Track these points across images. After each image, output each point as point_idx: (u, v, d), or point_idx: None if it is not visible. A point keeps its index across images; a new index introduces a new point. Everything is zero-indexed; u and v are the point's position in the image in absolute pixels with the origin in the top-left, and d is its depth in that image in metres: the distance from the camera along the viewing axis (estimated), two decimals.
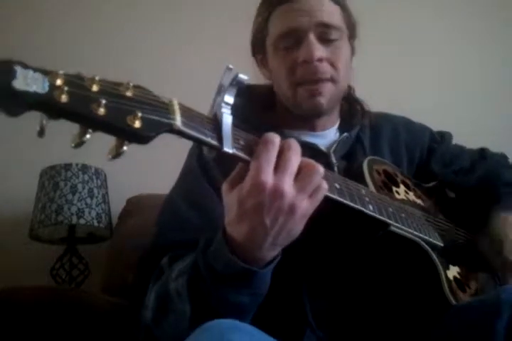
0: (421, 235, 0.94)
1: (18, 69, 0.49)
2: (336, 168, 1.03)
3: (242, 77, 0.66)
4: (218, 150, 0.65)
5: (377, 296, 0.95)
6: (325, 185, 0.71)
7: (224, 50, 2.00)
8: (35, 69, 0.50)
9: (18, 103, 0.48)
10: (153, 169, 2.06)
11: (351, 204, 0.82)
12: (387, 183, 1.01)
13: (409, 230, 0.92)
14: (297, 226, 0.72)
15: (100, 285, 1.68)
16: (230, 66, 0.67)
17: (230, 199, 0.71)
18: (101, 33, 2.21)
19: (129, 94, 0.57)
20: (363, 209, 0.85)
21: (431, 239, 0.96)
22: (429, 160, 1.18)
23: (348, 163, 1.06)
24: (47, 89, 0.50)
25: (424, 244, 0.93)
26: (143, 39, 2.24)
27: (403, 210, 0.95)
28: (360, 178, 0.95)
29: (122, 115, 0.55)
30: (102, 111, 0.53)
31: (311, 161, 0.71)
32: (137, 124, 0.55)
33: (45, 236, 1.97)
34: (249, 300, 0.76)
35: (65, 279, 1.91)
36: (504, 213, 1.09)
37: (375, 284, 0.95)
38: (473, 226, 1.12)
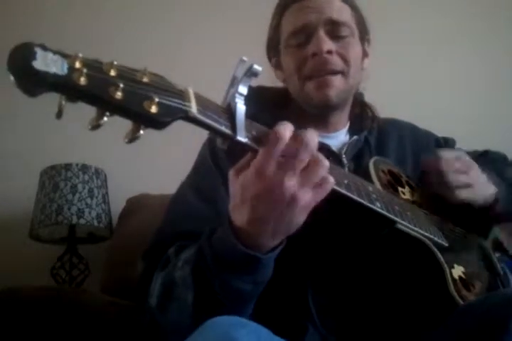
0: (426, 234, 0.94)
1: (38, 50, 0.49)
2: (346, 169, 1.05)
3: (257, 67, 0.66)
4: (231, 139, 0.65)
5: (380, 294, 0.95)
6: (331, 179, 0.71)
7: (225, 50, 2.01)
8: (55, 52, 0.51)
9: (38, 83, 0.49)
10: (153, 169, 2.06)
11: (358, 199, 0.82)
12: (393, 183, 1.02)
13: (415, 228, 0.92)
14: (298, 218, 0.71)
15: (100, 285, 1.67)
16: (244, 58, 0.68)
17: (235, 185, 0.72)
18: (101, 33, 2.22)
19: (145, 79, 0.57)
20: (370, 205, 0.85)
21: (436, 238, 0.96)
22: None
23: (356, 164, 1.08)
24: (66, 71, 0.50)
25: (429, 242, 0.93)
26: (143, 39, 2.25)
27: (409, 209, 0.96)
28: (366, 177, 0.95)
29: (139, 99, 0.55)
30: (119, 94, 0.53)
31: (318, 154, 0.71)
32: (154, 109, 0.55)
33: (45, 236, 1.97)
34: (250, 287, 0.76)
35: (65, 279, 1.91)
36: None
37: (379, 282, 0.95)
38: (475, 226, 1.12)
